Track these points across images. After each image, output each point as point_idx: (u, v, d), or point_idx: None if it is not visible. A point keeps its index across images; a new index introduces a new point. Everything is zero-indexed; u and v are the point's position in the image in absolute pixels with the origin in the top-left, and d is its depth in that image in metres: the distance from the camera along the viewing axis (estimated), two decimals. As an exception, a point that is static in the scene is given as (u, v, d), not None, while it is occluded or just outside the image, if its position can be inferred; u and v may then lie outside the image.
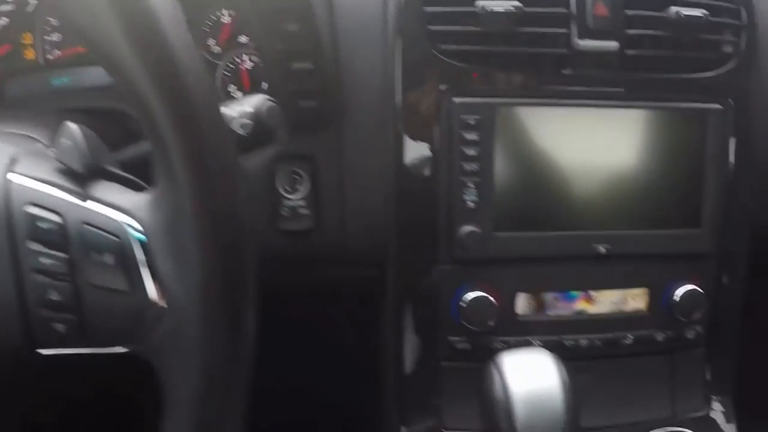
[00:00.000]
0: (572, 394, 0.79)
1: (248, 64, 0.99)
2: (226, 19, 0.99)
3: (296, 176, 0.96)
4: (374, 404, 1.05)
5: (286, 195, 0.95)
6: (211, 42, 0.98)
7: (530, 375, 0.81)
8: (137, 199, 0.63)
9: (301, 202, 0.95)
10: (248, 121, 0.76)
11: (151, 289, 0.61)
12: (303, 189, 0.95)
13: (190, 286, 0.59)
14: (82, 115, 0.87)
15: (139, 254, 0.61)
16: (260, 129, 0.76)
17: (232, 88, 0.99)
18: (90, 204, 0.62)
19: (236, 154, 0.61)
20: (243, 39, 0.98)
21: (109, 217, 0.62)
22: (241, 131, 0.77)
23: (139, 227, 0.62)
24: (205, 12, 0.98)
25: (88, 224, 0.62)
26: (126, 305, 0.62)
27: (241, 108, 0.77)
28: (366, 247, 0.97)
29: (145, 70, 0.55)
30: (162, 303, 0.61)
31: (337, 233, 0.96)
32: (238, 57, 0.99)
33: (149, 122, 0.57)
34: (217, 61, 0.98)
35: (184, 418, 0.62)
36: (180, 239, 0.59)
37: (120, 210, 0.63)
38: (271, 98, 0.77)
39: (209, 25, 0.98)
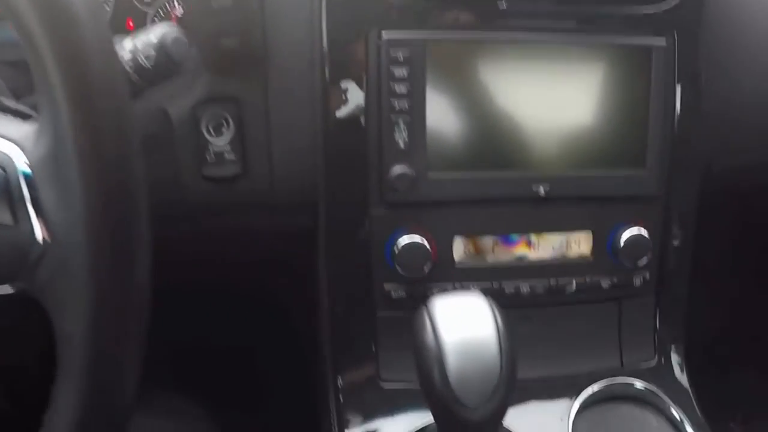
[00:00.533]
0: (509, 341, 0.74)
1: (179, 11, 0.95)
2: None
3: (222, 120, 0.91)
4: (311, 355, 1.01)
5: (211, 140, 0.90)
6: None
7: (463, 320, 0.76)
8: (25, 129, 0.60)
9: (227, 147, 0.90)
10: (153, 53, 0.73)
11: (36, 224, 0.58)
12: (229, 133, 0.90)
13: (75, 220, 0.56)
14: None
15: (25, 188, 0.59)
16: (165, 60, 0.73)
17: None
18: None
19: (125, 90, 0.58)
20: None
21: None
22: (145, 63, 0.73)
23: (26, 159, 0.59)
24: None
25: None
26: (10, 240, 0.59)
27: (146, 38, 0.74)
28: (295, 192, 0.93)
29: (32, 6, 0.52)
30: (47, 237, 0.58)
31: (264, 179, 0.92)
32: (168, 3, 0.94)
33: (30, 47, 0.54)
34: (147, 9, 0.93)
35: (76, 358, 0.59)
36: (64, 170, 0.56)
37: (7, 139, 0.60)
38: (176, 27, 0.74)
39: None
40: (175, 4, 0.95)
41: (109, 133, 0.56)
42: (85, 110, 0.54)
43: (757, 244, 1.41)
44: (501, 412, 0.75)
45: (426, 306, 0.75)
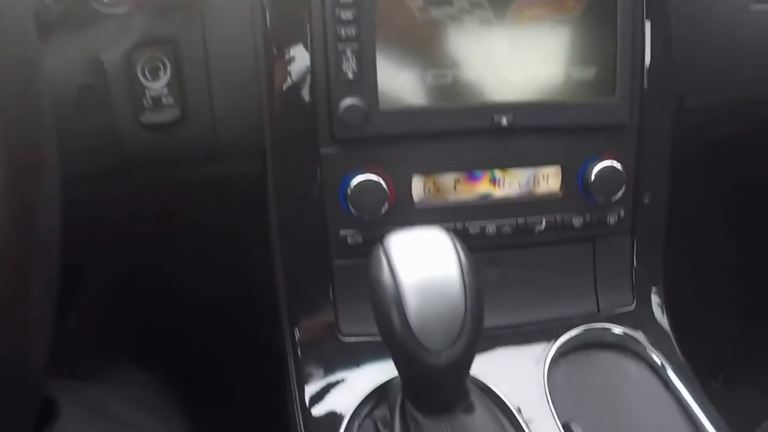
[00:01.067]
0: (474, 278, 0.67)
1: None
2: None
3: (159, 63, 0.84)
4: (267, 309, 0.94)
5: (147, 84, 0.84)
6: None
7: (423, 257, 0.68)
8: None
9: (164, 91, 0.84)
10: None
11: None
12: (165, 76, 0.84)
13: None
14: None
15: None
16: None
17: None
18: None
19: (33, 37, 0.53)
20: None
21: None
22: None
23: None
24: None
25: None
26: None
27: None
28: (240, 136, 0.86)
29: None
30: None
31: (206, 123, 0.85)
32: None
33: None
34: None
35: None
36: None
37: None
38: None
39: None
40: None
41: (15, 83, 0.51)
42: None
43: (735, 183, 1.36)
44: (468, 358, 0.68)
45: (382, 243, 0.68)
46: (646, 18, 0.90)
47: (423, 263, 0.66)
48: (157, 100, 0.85)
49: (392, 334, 0.65)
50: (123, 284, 1.22)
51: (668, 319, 0.96)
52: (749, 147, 1.32)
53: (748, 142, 1.29)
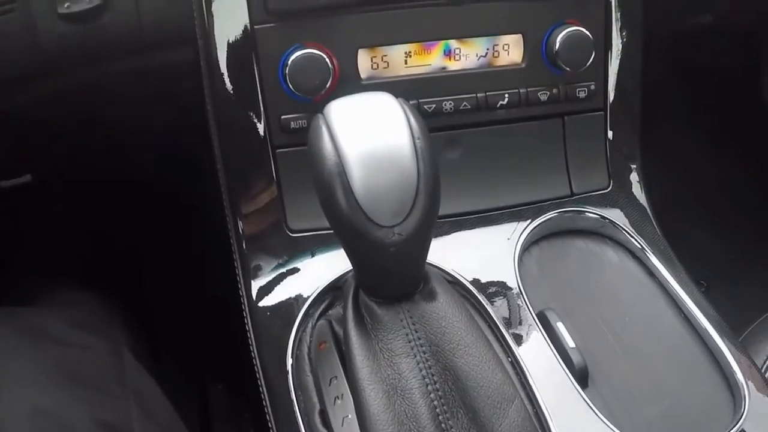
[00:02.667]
0: (427, 144, 0.57)
1: None
2: None
3: None
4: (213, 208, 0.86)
5: None
6: None
7: (369, 124, 0.59)
8: None
9: None
10: None
11: None
12: None
13: None
14: None
15: None
16: None
17: None
18: None
19: None
20: None
21: None
22: None
23: None
24: None
25: None
26: None
27: None
28: (167, 22, 0.79)
29: None
30: None
31: (129, 9, 0.78)
32: None
33: None
34: None
35: None
36: None
37: None
38: None
39: None
40: None
41: None
42: None
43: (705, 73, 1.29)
44: (424, 234, 0.59)
45: (322, 112, 0.59)
46: None
47: (369, 130, 0.57)
48: None
49: (337, 211, 0.56)
50: (63, 198, 1.14)
51: (648, 200, 0.88)
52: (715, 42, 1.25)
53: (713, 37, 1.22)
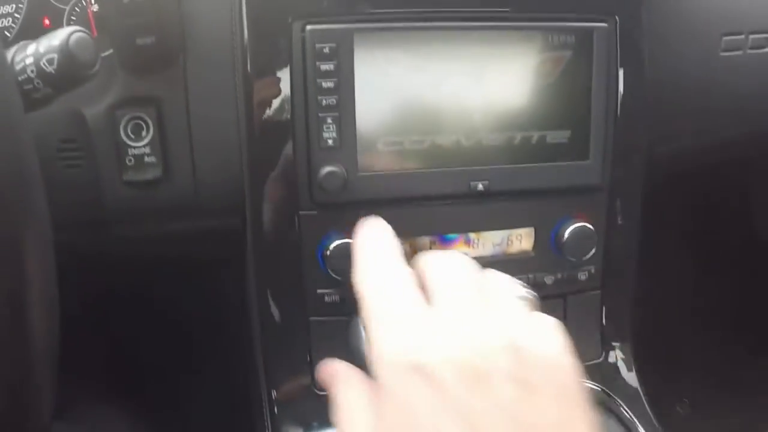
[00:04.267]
0: None
1: (95, 8, 0.89)
2: None
3: (141, 122, 0.86)
4: (244, 365, 0.96)
5: (130, 143, 0.85)
6: None
7: None
8: None
9: (147, 150, 0.86)
10: (55, 55, 0.68)
11: None
12: (148, 135, 0.85)
13: None
14: None
15: None
16: (70, 62, 0.69)
17: None
18: None
19: (18, 107, 0.54)
20: None
21: None
22: (48, 67, 0.69)
23: None
24: None
25: None
26: None
27: (48, 41, 0.70)
28: (221, 195, 0.88)
29: None
30: None
31: (188, 182, 0.87)
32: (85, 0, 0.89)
33: None
34: (63, 6, 0.88)
35: None
36: None
37: None
38: (81, 29, 0.69)
39: None
40: (92, 0, 0.90)
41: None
42: None
43: (702, 226, 1.39)
44: None
45: (360, 314, 0.71)
46: (620, 66, 0.92)
47: None
48: (139, 158, 0.87)
49: None
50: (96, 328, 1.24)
51: (637, 371, 0.99)
52: (711, 180, 1.35)
53: (710, 176, 1.32)
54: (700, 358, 1.50)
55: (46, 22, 0.89)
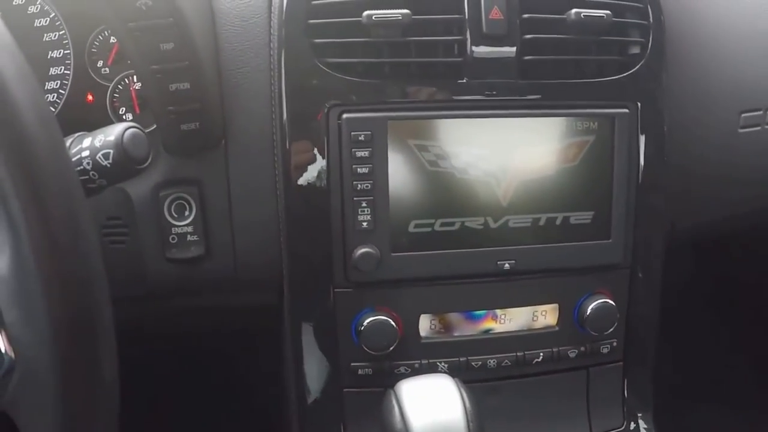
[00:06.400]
0: (477, 421, 0.74)
1: (137, 86, 0.94)
2: (114, 39, 0.94)
3: (184, 202, 0.90)
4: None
5: (173, 222, 0.90)
6: (100, 63, 0.93)
7: (431, 403, 0.76)
8: None
9: (189, 229, 0.90)
10: (111, 150, 0.72)
11: (0, 341, 0.57)
12: (191, 215, 0.90)
13: (39, 332, 0.55)
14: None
15: None
16: (124, 157, 0.72)
17: (122, 110, 0.94)
18: None
19: (83, 200, 0.56)
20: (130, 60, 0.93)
21: None
22: (103, 161, 0.73)
23: None
24: (95, 32, 0.93)
25: None
26: None
27: (104, 136, 0.73)
28: (259, 272, 0.92)
29: None
30: (11, 354, 0.57)
31: (228, 259, 0.91)
32: (127, 78, 0.94)
33: None
34: (107, 83, 0.93)
35: None
36: (25, 289, 0.54)
37: None
38: (135, 125, 0.73)
39: (97, 46, 0.93)
40: (134, 79, 0.94)
41: (70, 250, 0.55)
42: (43, 228, 0.53)
43: (724, 294, 1.41)
44: None
45: (393, 390, 0.75)
46: (641, 148, 0.96)
47: (431, 409, 0.73)
48: (182, 237, 0.91)
49: None
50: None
51: None
52: (731, 248, 1.37)
53: (730, 244, 1.34)
54: (723, 427, 1.51)
55: (89, 98, 0.93)
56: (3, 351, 0.57)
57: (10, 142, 0.52)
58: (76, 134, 0.76)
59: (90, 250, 0.57)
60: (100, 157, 0.73)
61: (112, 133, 0.73)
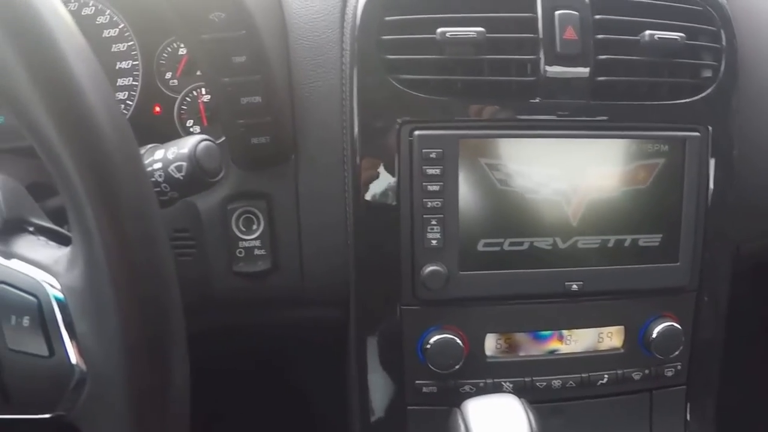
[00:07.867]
0: None
1: (206, 98, 0.95)
2: (183, 51, 0.95)
3: (252, 216, 0.90)
4: None
5: (241, 236, 0.90)
6: (168, 75, 0.94)
7: (497, 423, 0.76)
8: (59, 254, 0.59)
9: (257, 243, 0.90)
10: (184, 163, 0.72)
11: (72, 352, 0.57)
12: (258, 229, 0.90)
13: (112, 346, 0.55)
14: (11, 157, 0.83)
15: (59, 317, 0.57)
16: (197, 170, 0.72)
17: (190, 122, 0.95)
18: (11, 262, 0.58)
19: (157, 212, 0.56)
20: (200, 72, 0.93)
21: (28, 276, 0.58)
22: (176, 173, 0.73)
23: (59, 286, 0.58)
24: (163, 44, 0.93)
25: (6, 284, 0.58)
26: (47, 370, 0.58)
27: (177, 148, 0.73)
28: (326, 287, 0.92)
29: (53, 122, 0.51)
30: (83, 366, 0.57)
31: (295, 274, 0.91)
32: (196, 90, 0.94)
33: (58, 173, 0.53)
34: (175, 95, 0.93)
35: None
36: (98, 301, 0.55)
37: (40, 267, 0.58)
38: (208, 137, 0.73)
39: (166, 57, 0.94)
40: (203, 91, 0.95)
41: (145, 264, 0.55)
42: (118, 241, 0.53)
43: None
44: None
45: (459, 408, 0.75)
46: (711, 172, 0.95)
47: (497, 429, 0.73)
48: (249, 251, 0.91)
49: None
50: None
51: None
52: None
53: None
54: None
55: (157, 109, 0.94)
56: (75, 362, 0.57)
57: (86, 150, 0.52)
58: (149, 146, 0.77)
59: (164, 266, 0.57)
60: (172, 170, 0.73)
61: (185, 145, 0.73)
